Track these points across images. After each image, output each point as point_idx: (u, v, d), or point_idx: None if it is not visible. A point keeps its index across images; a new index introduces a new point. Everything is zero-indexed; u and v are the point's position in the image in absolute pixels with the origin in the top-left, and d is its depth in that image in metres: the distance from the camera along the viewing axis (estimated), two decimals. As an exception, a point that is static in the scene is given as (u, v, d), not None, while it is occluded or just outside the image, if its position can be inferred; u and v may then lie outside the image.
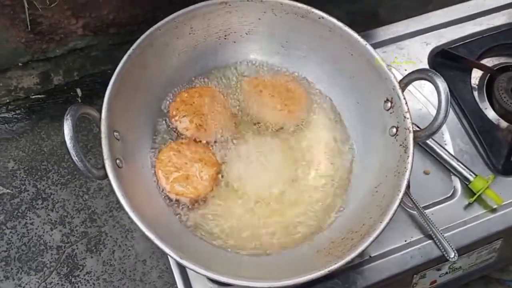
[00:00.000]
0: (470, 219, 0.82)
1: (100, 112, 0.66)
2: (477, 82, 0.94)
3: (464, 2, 1.01)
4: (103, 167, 0.63)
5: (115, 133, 0.67)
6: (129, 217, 0.61)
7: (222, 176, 0.76)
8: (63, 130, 0.60)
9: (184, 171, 0.73)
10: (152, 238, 0.59)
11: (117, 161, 0.65)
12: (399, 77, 0.73)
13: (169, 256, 0.77)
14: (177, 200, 0.73)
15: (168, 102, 0.79)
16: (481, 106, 0.91)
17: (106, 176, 0.63)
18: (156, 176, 0.74)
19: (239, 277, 0.60)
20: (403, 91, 0.71)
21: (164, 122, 0.79)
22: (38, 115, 0.97)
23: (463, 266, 0.86)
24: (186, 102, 0.78)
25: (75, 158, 0.60)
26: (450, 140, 0.88)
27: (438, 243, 0.79)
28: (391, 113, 0.72)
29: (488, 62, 0.95)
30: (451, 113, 0.90)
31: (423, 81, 0.90)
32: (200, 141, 0.77)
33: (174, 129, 0.78)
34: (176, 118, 0.77)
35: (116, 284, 0.86)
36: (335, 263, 0.61)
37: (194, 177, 0.73)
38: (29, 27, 0.87)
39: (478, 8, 1.00)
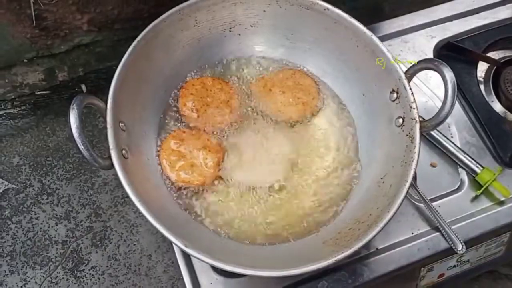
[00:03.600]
0: (477, 212, 0.82)
1: (105, 103, 0.66)
2: (483, 75, 0.94)
3: (469, -5, 1.01)
4: (109, 157, 0.63)
5: (120, 124, 0.67)
6: (135, 208, 0.62)
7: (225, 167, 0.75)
8: (69, 119, 0.60)
9: (188, 158, 0.73)
10: (157, 226, 0.59)
11: (123, 151, 0.65)
12: (405, 69, 0.72)
13: (175, 248, 0.78)
14: (184, 188, 0.72)
15: (173, 95, 0.79)
16: (487, 99, 0.90)
17: (112, 166, 0.63)
18: (161, 166, 0.74)
19: (244, 266, 0.60)
20: (409, 81, 0.71)
21: (169, 114, 0.79)
22: (43, 111, 0.97)
23: (471, 259, 0.85)
24: (197, 89, 0.78)
25: (81, 147, 0.60)
26: (457, 132, 0.88)
27: (446, 236, 0.78)
28: (397, 103, 0.72)
29: (494, 55, 0.95)
30: (457, 106, 0.90)
31: (429, 74, 0.91)
32: (204, 130, 0.77)
33: (180, 115, 0.78)
34: (184, 103, 0.78)
35: (121, 279, 0.86)
36: (341, 253, 0.61)
37: (199, 165, 0.73)
38: (34, 22, 0.87)
39: (482, 2, 1.00)
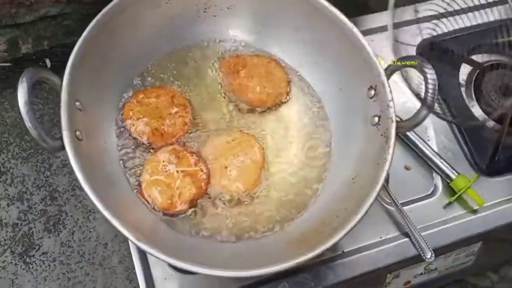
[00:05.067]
0: (449, 219, 0.79)
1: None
2: (465, 78, 0.90)
3: (456, -5, 0.97)
4: (61, 138, 0.58)
5: (76, 103, 0.62)
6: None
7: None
8: (18, 94, 0.55)
9: (169, 178, 0.68)
10: (106, 215, 0.55)
11: (77, 132, 0.60)
12: (385, 66, 0.69)
13: (131, 241, 0.73)
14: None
15: (139, 79, 0.74)
16: (468, 103, 0.87)
17: (62, 148, 0.58)
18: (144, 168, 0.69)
19: (201, 264, 0.56)
20: (388, 78, 0.67)
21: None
22: (2, 83, 0.92)
23: (439, 268, 0.83)
24: (142, 103, 0.72)
25: (28, 125, 0.55)
26: (434, 136, 0.85)
27: (415, 242, 0.75)
28: (374, 101, 0.68)
29: (478, 58, 0.92)
30: (436, 108, 0.86)
31: (411, 72, 0.88)
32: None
33: (128, 133, 0.71)
34: (131, 120, 0.71)
35: (73, 267, 0.82)
36: (304, 256, 0.57)
37: (174, 190, 0.67)
38: (-4, -12, 0.81)
39: (470, 3, 0.96)
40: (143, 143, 0.70)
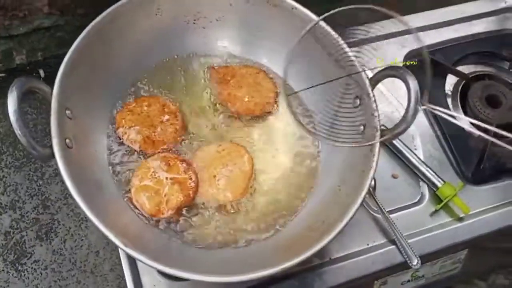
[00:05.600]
0: (435, 227, 0.80)
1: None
2: (451, 89, 0.92)
3: (443, 7, 0.99)
4: (51, 146, 0.60)
5: (67, 111, 0.64)
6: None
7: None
8: (8, 102, 0.56)
9: (158, 185, 0.69)
10: (94, 221, 0.56)
11: (67, 140, 0.62)
12: (370, 76, 0.70)
13: (119, 247, 0.74)
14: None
15: (130, 89, 0.76)
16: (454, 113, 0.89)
17: (52, 156, 0.59)
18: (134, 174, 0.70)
19: (187, 270, 0.57)
20: (373, 88, 0.69)
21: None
22: (-4, 94, 0.93)
23: (426, 275, 0.84)
24: (134, 112, 0.74)
25: (18, 132, 0.56)
26: (421, 145, 0.86)
27: (401, 249, 0.76)
28: (359, 110, 0.70)
29: (464, 69, 0.94)
30: (423, 118, 0.88)
31: (397, 82, 0.89)
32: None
33: (120, 141, 0.73)
34: (123, 129, 0.73)
35: (65, 275, 0.82)
36: (290, 261, 0.58)
37: (162, 197, 0.69)
38: (-10, 0, 0.83)
39: (457, 14, 0.99)
40: (134, 151, 0.72)
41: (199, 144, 0.74)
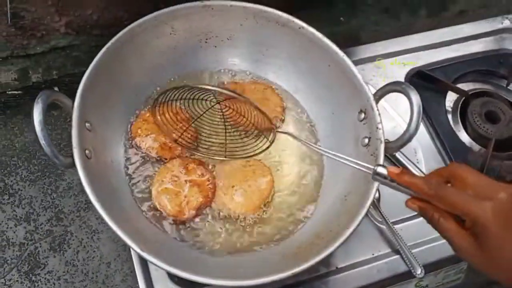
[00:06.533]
0: (439, 237, 0.80)
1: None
2: (451, 105, 0.96)
3: (442, 28, 1.03)
4: (72, 155, 0.63)
5: (86, 124, 0.67)
6: (97, 214, 0.60)
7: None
8: (33, 113, 0.60)
9: (178, 187, 0.73)
10: (111, 225, 0.59)
11: (86, 151, 0.65)
12: (374, 91, 0.74)
13: (133, 255, 0.76)
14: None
15: (145, 103, 0.79)
16: (454, 128, 0.92)
17: (73, 164, 0.62)
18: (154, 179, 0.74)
19: (200, 274, 0.59)
20: (377, 103, 0.72)
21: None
22: (13, 110, 0.96)
23: (429, 285, 0.85)
24: (149, 121, 0.78)
25: (42, 142, 0.59)
26: (423, 159, 0.89)
27: (406, 259, 0.78)
28: (364, 124, 0.73)
29: (463, 86, 0.97)
30: (425, 133, 0.91)
31: (399, 99, 0.92)
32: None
33: (136, 150, 0.77)
34: (140, 138, 0.77)
35: (77, 286, 0.84)
36: (298, 267, 0.61)
37: (183, 198, 0.72)
38: (10, 20, 0.86)
39: (455, 34, 1.03)
40: (148, 160, 0.75)
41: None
